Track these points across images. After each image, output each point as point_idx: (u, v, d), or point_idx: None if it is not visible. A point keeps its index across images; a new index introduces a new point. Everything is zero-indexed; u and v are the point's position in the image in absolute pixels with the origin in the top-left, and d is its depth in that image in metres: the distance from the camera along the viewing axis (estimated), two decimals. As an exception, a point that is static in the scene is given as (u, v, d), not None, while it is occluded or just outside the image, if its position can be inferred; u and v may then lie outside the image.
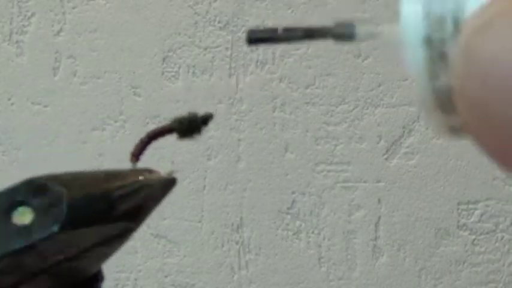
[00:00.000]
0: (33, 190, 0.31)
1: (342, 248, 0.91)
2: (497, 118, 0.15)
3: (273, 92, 0.89)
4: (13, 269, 0.29)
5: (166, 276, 0.94)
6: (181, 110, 0.90)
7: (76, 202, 0.30)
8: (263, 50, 0.88)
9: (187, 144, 0.91)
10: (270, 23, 0.88)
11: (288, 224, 0.91)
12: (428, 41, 0.19)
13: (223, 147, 0.90)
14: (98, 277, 0.33)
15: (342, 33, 0.22)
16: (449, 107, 0.19)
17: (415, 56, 0.19)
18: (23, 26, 0.91)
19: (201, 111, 0.95)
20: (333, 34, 0.22)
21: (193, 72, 0.89)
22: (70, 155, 0.92)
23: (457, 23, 0.19)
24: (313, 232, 0.91)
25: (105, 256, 0.32)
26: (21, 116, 0.92)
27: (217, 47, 0.89)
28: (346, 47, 0.87)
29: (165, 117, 0.90)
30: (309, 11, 0.87)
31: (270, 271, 0.92)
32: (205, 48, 0.89)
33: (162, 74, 0.90)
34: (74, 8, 0.90)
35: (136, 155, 0.35)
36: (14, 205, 0.30)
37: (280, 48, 0.88)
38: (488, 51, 0.16)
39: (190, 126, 0.36)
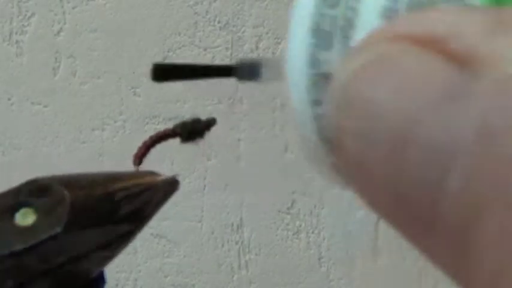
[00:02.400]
0: (35, 191, 0.31)
1: (342, 248, 0.91)
2: (375, 173, 0.14)
3: (273, 92, 0.89)
4: (14, 270, 0.29)
5: (166, 276, 0.94)
6: (182, 110, 0.90)
7: (79, 203, 0.30)
8: (263, 50, 0.88)
9: (187, 144, 0.91)
10: (270, 23, 0.88)
11: (288, 224, 0.91)
12: (314, 62, 0.17)
13: (223, 147, 0.90)
14: (99, 281, 0.33)
15: (246, 74, 0.21)
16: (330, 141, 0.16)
17: (298, 79, 0.17)
18: (23, 26, 0.91)
19: (201, 110, 0.95)
20: (237, 74, 0.21)
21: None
22: (70, 155, 0.92)
23: (345, 42, 0.16)
24: (313, 232, 0.91)
25: (107, 259, 0.32)
26: (21, 116, 0.92)
27: (217, 47, 0.89)
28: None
29: (165, 117, 0.90)
30: (309, 11, 0.87)
31: (270, 271, 0.92)
32: (205, 48, 0.89)
33: (162, 74, 0.89)
34: (74, 8, 0.90)
35: (139, 157, 0.35)
36: (16, 206, 0.30)
37: (280, 47, 0.88)
38: (367, 97, 0.14)
39: (193, 130, 0.36)
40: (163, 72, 0.24)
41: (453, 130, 0.12)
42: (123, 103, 0.91)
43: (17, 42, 0.91)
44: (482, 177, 0.12)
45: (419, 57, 0.13)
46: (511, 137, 0.12)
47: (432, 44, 0.13)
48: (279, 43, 0.88)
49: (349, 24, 0.16)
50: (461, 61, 0.13)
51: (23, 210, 0.30)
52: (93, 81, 0.91)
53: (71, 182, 0.31)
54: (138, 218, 0.32)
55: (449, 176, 0.13)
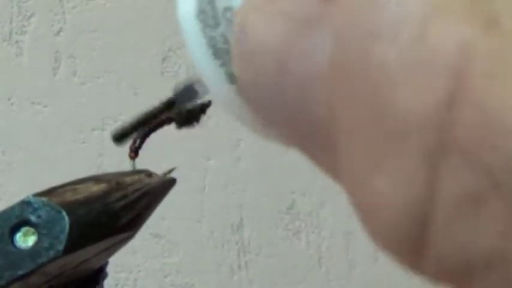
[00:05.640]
0: (34, 209, 0.31)
1: (342, 248, 0.91)
2: (262, 96, 0.16)
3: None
4: None
5: (166, 276, 0.94)
6: (181, 110, 0.90)
7: (78, 222, 0.30)
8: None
9: (187, 144, 0.91)
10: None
11: (287, 224, 0.91)
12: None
13: (223, 147, 0.90)
14: (99, 274, 0.33)
15: (186, 98, 0.21)
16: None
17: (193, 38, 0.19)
18: (23, 26, 0.91)
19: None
20: (178, 101, 0.22)
21: (193, 72, 0.89)
22: (70, 155, 0.92)
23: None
24: (313, 232, 0.91)
25: (106, 258, 0.33)
26: (21, 116, 0.92)
27: (217, 47, 0.89)
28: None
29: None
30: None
31: (270, 271, 0.92)
32: (205, 48, 0.89)
33: (162, 74, 0.90)
34: (74, 8, 0.90)
35: (135, 150, 0.34)
36: (16, 225, 0.30)
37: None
38: (257, 32, 0.15)
39: (188, 115, 0.34)
40: (122, 136, 0.26)
41: (316, 49, 0.14)
42: (123, 103, 0.91)
43: (17, 42, 0.91)
44: (337, 86, 0.14)
45: None
46: (358, 48, 0.13)
47: None
48: (279, 43, 0.88)
49: None
50: None
51: (23, 230, 0.30)
52: (93, 81, 0.91)
53: (68, 197, 0.31)
54: (138, 223, 0.32)
55: (316, 91, 0.14)
